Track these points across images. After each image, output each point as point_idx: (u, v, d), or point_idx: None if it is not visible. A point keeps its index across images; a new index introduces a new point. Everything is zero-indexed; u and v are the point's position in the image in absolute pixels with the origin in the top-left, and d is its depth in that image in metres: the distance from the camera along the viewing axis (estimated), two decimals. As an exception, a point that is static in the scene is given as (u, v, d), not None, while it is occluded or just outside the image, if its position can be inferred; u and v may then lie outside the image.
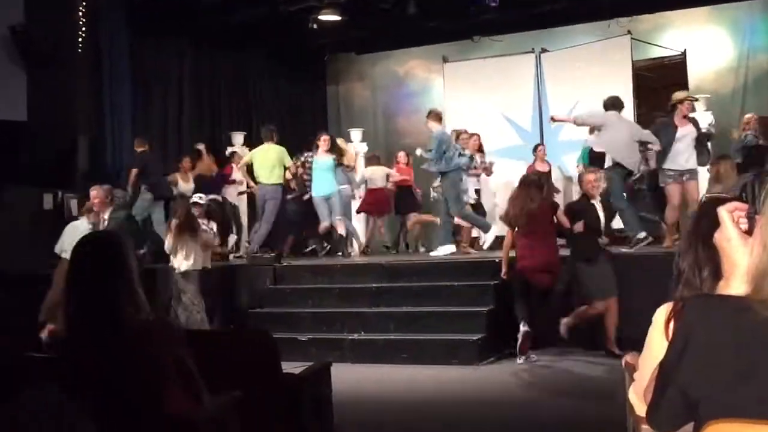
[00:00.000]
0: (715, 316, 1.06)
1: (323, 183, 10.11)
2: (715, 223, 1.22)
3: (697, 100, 8.65)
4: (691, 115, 8.84)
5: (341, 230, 10.21)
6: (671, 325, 1.75)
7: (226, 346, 4.14)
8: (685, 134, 8.27)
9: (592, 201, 7.48)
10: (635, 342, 2.17)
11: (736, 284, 1.13)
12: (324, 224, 10.27)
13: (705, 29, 12.68)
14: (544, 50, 12.30)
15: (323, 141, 10.28)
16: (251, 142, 12.28)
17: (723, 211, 1.19)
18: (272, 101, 13.89)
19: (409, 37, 13.68)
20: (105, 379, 2.48)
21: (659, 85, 11.61)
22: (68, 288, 2.60)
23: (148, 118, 11.72)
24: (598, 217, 7.41)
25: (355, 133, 12.98)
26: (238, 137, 12.62)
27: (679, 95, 8.52)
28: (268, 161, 10.06)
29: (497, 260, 8.55)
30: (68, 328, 2.55)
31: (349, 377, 6.81)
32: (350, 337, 8.16)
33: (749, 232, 1.17)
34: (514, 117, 12.26)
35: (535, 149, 11.13)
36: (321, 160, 10.22)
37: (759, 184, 1.21)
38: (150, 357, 2.51)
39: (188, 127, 12.23)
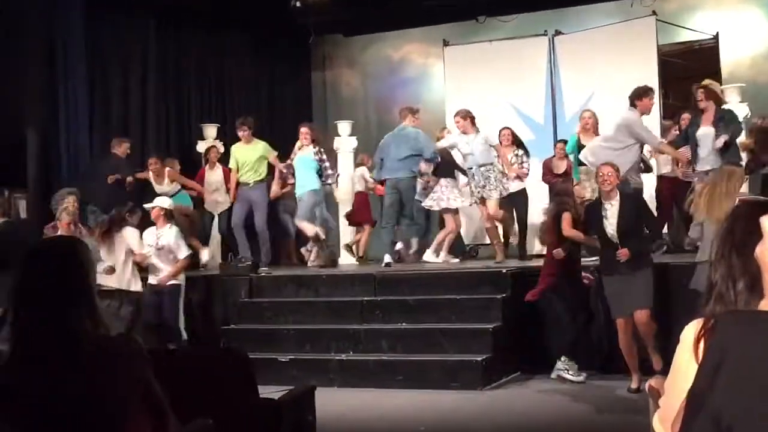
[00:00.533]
0: (751, 333, 1.06)
1: (305, 181, 10.17)
2: (752, 230, 1.21)
3: (703, 87, 8.54)
4: (727, 106, 8.85)
5: (310, 232, 10.25)
6: (701, 344, 1.75)
7: (196, 368, 4.13)
8: (705, 133, 8.34)
9: (605, 201, 7.18)
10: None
11: None
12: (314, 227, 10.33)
13: (739, 10, 12.72)
14: (558, 33, 12.31)
15: (302, 134, 10.34)
16: (225, 136, 12.30)
17: (766, 222, 1.18)
18: (249, 89, 13.88)
19: (405, 17, 13.67)
20: (56, 408, 2.43)
21: (688, 73, 11.64)
22: (16, 301, 2.59)
23: (107, 109, 11.69)
24: (606, 221, 7.13)
25: (344, 126, 12.97)
26: (211, 130, 12.61)
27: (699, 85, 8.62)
28: (252, 158, 10.20)
29: (504, 271, 8.57)
30: (12, 349, 2.53)
31: (335, 403, 6.81)
32: (337, 358, 8.16)
33: None
34: (524, 108, 12.27)
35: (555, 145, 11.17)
36: (302, 155, 10.27)
37: None
38: (111, 380, 2.48)
39: (153, 120, 12.20)
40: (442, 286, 8.71)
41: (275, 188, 10.77)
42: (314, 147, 10.24)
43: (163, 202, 8.78)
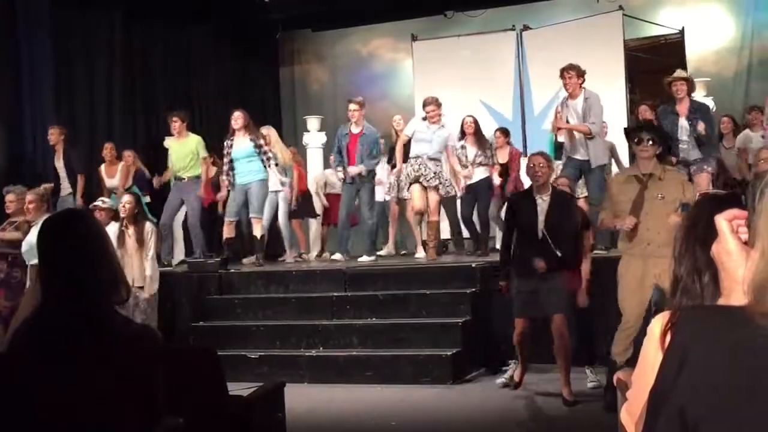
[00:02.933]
0: (713, 329, 1.07)
1: (248, 169, 9.57)
2: (713, 224, 1.22)
3: (684, 79, 8.57)
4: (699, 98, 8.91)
5: (257, 231, 9.75)
6: (668, 338, 1.77)
7: (164, 366, 4.10)
8: (683, 125, 8.39)
9: (537, 195, 6.70)
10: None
11: (735, 302, 1.13)
12: (229, 219, 9.73)
13: (704, 5, 12.87)
14: (526, 27, 12.37)
15: (234, 118, 9.63)
16: (194, 131, 12.21)
17: (721, 221, 1.19)
18: (216, 84, 13.79)
19: (373, 11, 13.67)
20: (74, 405, 2.26)
21: (654, 68, 11.74)
22: (40, 283, 2.42)
23: (73, 103, 11.57)
24: (535, 216, 6.66)
25: (313, 122, 12.96)
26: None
27: (669, 78, 8.63)
28: (185, 151, 10.11)
29: (473, 265, 8.60)
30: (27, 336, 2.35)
31: (305, 399, 6.80)
32: (307, 354, 8.15)
33: (751, 243, 1.15)
34: (492, 103, 12.32)
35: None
36: (239, 146, 9.63)
37: (757, 186, 1.17)
38: (140, 376, 2.32)
39: (120, 114, 12.08)
40: (412, 282, 8.72)
41: (202, 193, 10.17)
42: (250, 134, 9.59)
43: (102, 202, 8.63)
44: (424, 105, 9.72)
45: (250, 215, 9.70)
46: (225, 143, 9.70)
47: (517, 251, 6.81)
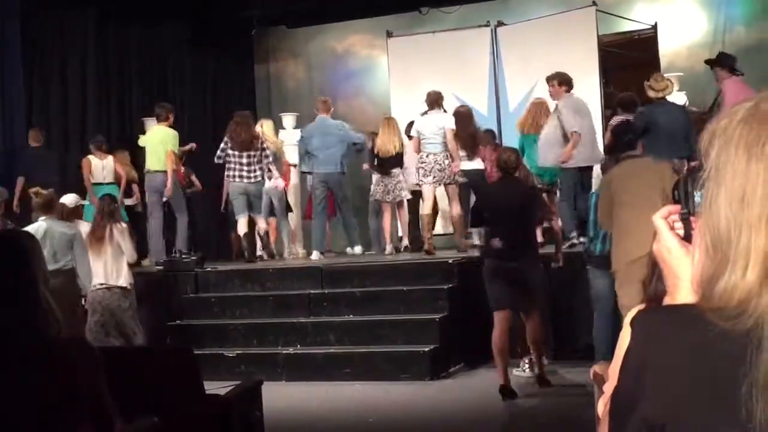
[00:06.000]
0: (667, 331, 1.08)
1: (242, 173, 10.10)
2: None
3: (661, 82, 8.68)
4: (669, 98, 8.99)
5: (261, 229, 10.25)
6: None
7: (139, 365, 4.07)
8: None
9: (502, 183, 7.03)
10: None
11: (681, 299, 1.14)
12: (241, 218, 10.13)
13: (677, 0, 12.95)
14: (500, 23, 12.40)
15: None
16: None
17: (658, 219, 1.19)
18: (192, 82, 13.70)
19: (349, 8, 13.64)
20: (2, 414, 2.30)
21: (628, 63, 11.82)
22: None
23: (46, 104, 11.43)
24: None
25: (288, 119, 12.89)
26: (152, 123, 12.41)
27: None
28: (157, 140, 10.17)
29: (450, 261, 8.61)
30: None
31: (283, 397, 6.79)
32: (285, 352, 8.13)
33: (686, 238, 1.16)
34: (468, 99, 12.30)
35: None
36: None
37: (691, 180, 1.18)
38: (66, 387, 2.33)
39: (94, 113, 11.96)
40: (389, 278, 8.72)
41: (169, 184, 10.14)
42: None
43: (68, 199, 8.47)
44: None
45: (251, 214, 10.15)
46: (223, 146, 10.11)
47: (486, 236, 7.08)
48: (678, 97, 10.46)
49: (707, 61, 9.06)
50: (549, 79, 9.07)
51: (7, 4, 10.62)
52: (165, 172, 10.11)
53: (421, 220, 10.03)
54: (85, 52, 11.90)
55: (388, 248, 10.37)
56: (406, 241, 10.77)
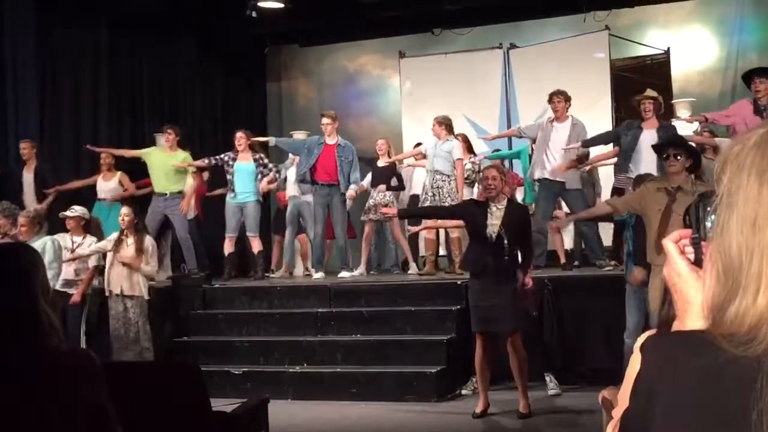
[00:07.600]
0: (678, 357, 1.07)
1: (247, 189, 10.03)
2: None
3: (653, 98, 8.73)
4: (675, 122, 9.03)
5: (255, 247, 10.15)
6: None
7: (145, 381, 4.07)
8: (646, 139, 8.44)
9: (492, 203, 6.75)
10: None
11: (691, 324, 1.14)
12: (229, 235, 10.09)
13: (690, 26, 12.97)
14: (513, 46, 12.45)
15: (238, 138, 10.17)
16: (181, 145, 12.19)
17: (668, 243, 1.19)
18: (203, 99, 13.76)
19: (361, 28, 13.71)
20: None
21: (640, 87, 11.80)
22: None
23: (58, 118, 11.50)
24: (488, 221, 6.75)
25: (299, 137, 12.94)
26: (164, 140, 12.47)
27: (638, 96, 8.84)
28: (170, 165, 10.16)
29: (459, 282, 8.60)
30: None
31: (289, 415, 6.77)
32: (291, 370, 8.11)
33: (697, 263, 1.15)
34: (479, 120, 12.36)
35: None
36: (242, 163, 10.11)
37: (702, 205, 1.18)
38: (67, 398, 2.30)
39: (105, 129, 12.01)
40: (397, 298, 8.72)
41: (185, 207, 10.17)
42: (254, 154, 10.13)
43: (71, 211, 8.46)
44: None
45: (247, 233, 10.13)
46: (224, 157, 10.15)
47: (469, 255, 7.11)
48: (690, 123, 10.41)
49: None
50: (556, 94, 9.32)
51: (23, 17, 10.70)
52: (179, 193, 10.12)
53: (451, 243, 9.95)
54: (97, 68, 11.97)
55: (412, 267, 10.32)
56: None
